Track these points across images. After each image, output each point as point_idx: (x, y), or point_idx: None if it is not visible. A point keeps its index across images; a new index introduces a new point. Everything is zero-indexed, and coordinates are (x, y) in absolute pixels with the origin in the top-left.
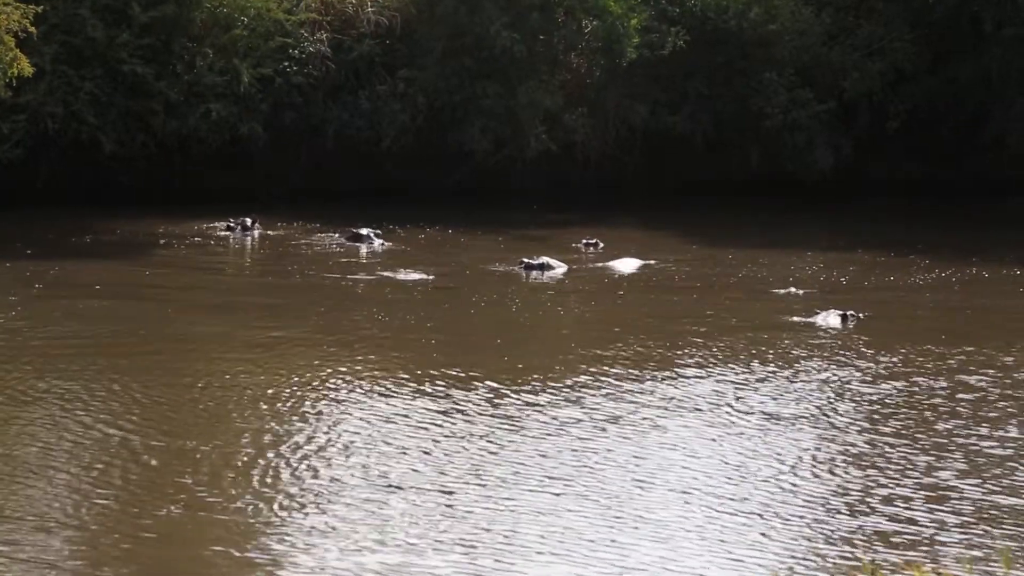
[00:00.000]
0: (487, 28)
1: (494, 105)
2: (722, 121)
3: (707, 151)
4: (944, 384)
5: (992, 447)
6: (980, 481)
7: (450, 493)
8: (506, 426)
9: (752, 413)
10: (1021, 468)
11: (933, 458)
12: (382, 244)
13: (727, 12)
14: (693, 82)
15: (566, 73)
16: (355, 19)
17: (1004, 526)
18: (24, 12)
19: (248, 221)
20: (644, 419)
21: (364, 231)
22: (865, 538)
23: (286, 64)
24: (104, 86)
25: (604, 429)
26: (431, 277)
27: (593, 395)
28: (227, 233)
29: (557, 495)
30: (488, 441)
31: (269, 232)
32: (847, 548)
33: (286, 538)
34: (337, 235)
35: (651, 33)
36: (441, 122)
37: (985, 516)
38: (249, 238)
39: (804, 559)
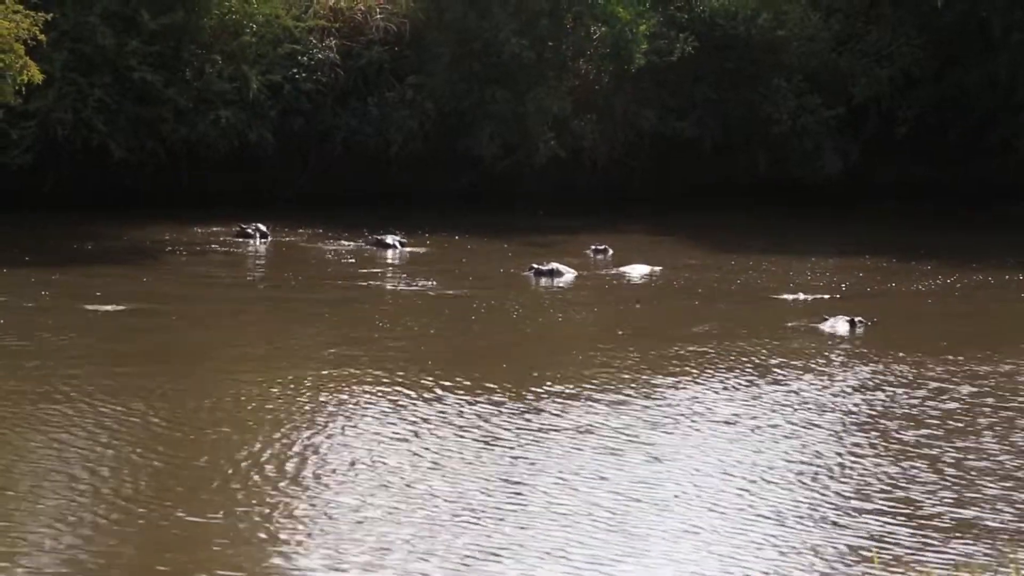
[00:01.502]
0: (496, 34)
1: (502, 111)
2: (730, 126)
3: (715, 156)
4: (948, 393)
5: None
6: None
7: (421, 504)
8: (487, 437)
9: (740, 423)
10: None
11: (931, 471)
12: (402, 251)
13: (736, 18)
14: (701, 87)
15: (574, 79)
16: (364, 26)
17: (984, 541)
18: (34, 20)
19: (263, 227)
20: (624, 430)
21: (389, 238)
22: (842, 554)
23: (295, 71)
24: (113, 93)
25: (584, 440)
26: (437, 283)
27: (578, 405)
28: (241, 240)
29: (530, 508)
30: (461, 453)
31: (281, 238)
32: (825, 562)
33: (265, 552)
34: (361, 241)
35: (659, 39)
36: (449, 128)
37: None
38: (263, 245)
39: (784, 573)
